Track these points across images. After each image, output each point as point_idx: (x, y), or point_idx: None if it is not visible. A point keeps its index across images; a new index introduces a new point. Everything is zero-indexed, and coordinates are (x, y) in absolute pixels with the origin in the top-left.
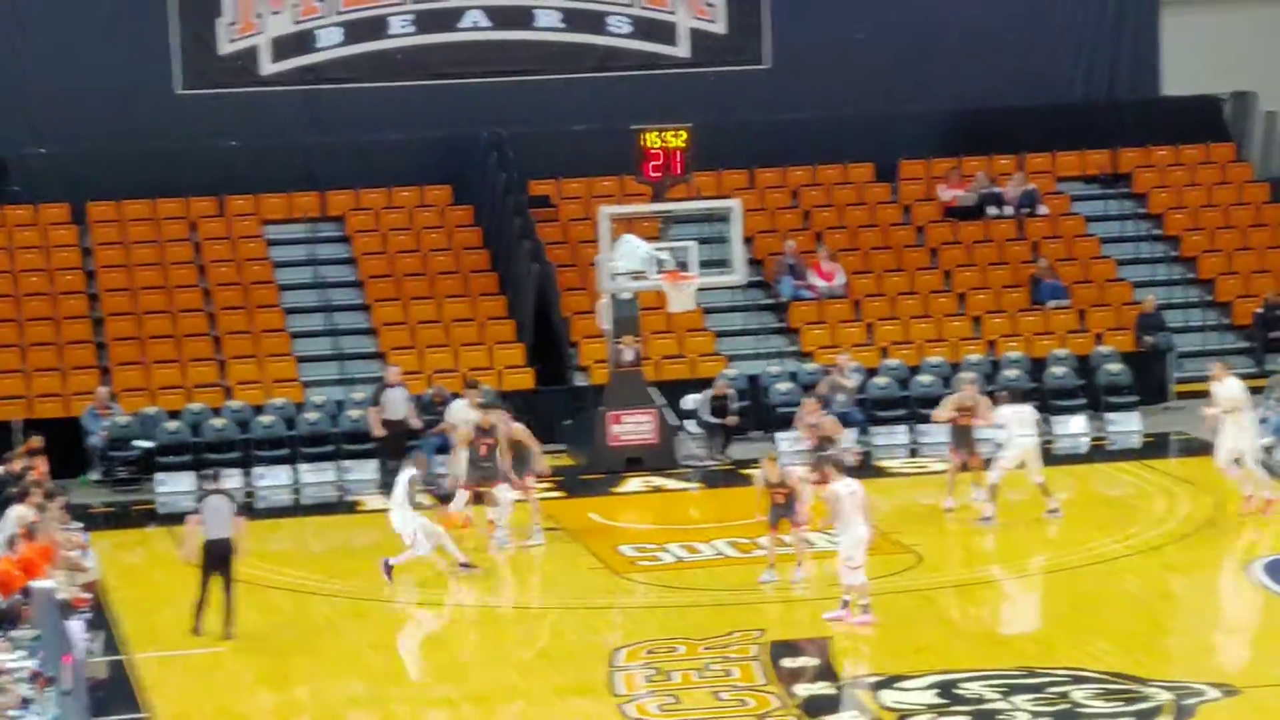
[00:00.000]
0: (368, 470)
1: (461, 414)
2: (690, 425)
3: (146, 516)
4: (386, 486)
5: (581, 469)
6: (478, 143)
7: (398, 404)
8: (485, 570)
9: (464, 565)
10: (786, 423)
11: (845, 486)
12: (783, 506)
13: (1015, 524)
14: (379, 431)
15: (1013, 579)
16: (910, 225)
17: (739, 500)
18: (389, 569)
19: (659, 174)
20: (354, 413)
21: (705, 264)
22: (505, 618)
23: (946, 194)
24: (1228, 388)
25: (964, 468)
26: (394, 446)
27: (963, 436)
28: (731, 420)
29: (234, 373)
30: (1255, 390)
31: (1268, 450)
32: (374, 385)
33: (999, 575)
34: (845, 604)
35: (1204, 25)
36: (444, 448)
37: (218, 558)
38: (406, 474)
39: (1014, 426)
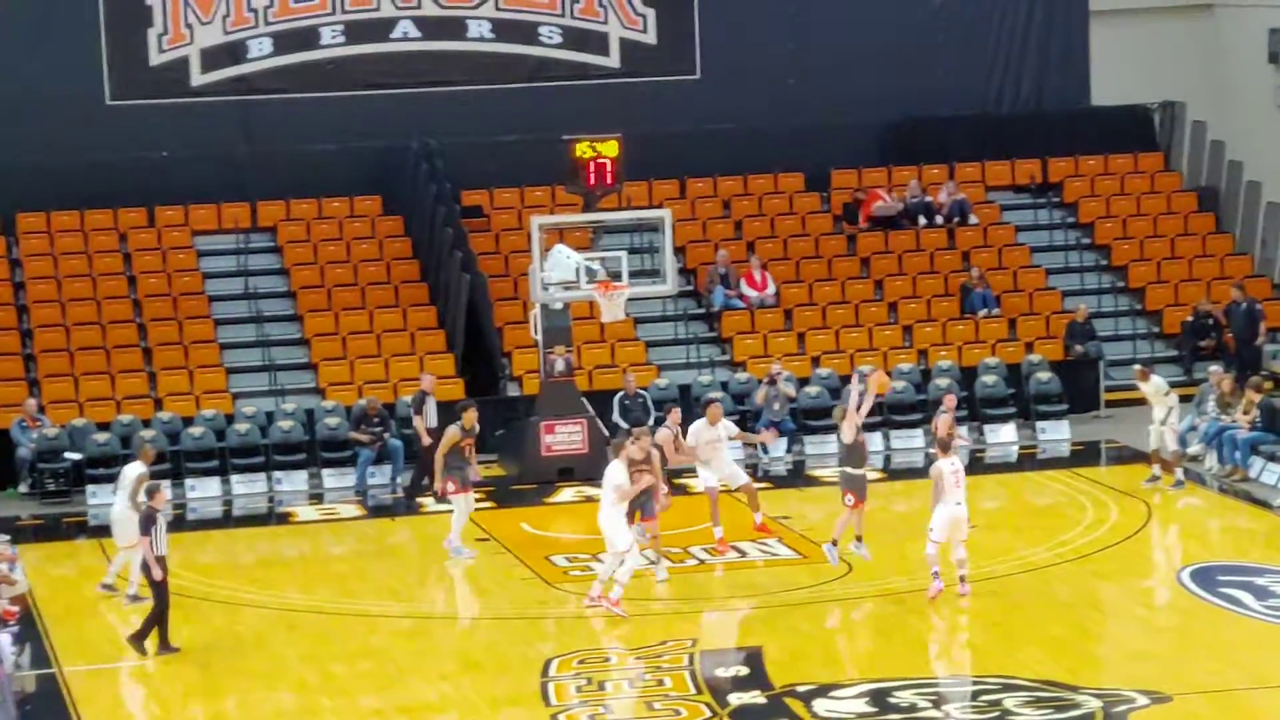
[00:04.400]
0: (298, 481)
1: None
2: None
3: (76, 529)
4: (317, 496)
5: (513, 479)
6: (409, 153)
7: (433, 412)
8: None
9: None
10: None
11: None
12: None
13: None
14: (427, 440)
15: (944, 587)
16: (841, 235)
17: (672, 510)
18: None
19: (593, 183)
20: (284, 423)
21: (636, 274)
22: (437, 628)
23: (887, 199)
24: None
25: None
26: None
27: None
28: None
29: (164, 384)
30: (1185, 399)
31: (1195, 459)
32: (414, 396)
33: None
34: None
35: (1133, 36)
36: (381, 458)
37: None
38: (134, 469)
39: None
